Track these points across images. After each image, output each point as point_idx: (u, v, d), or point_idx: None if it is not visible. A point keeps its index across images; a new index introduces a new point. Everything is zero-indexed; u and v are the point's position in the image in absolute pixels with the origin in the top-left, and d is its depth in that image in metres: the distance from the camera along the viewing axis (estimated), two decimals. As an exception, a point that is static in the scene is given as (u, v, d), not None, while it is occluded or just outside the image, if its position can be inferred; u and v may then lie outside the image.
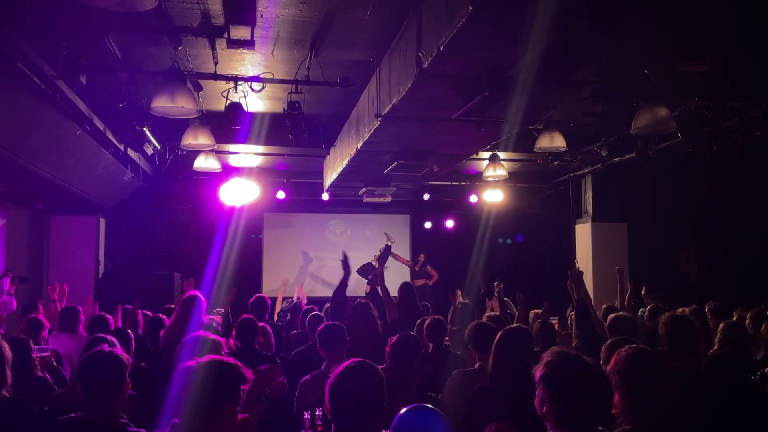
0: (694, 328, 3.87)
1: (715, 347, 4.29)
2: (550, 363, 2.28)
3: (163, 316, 4.65)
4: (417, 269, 12.51)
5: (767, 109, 6.65)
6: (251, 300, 6.47)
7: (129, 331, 4.78)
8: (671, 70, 5.79)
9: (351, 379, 2.45)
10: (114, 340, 3.95)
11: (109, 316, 5.15)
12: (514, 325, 4.03)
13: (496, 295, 7.27)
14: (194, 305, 4.52)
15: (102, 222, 10.26)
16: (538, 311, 7.15)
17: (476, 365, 4.10)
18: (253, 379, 2.87)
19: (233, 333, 4.91)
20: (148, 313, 6.05)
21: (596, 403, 2.24)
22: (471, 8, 3.46)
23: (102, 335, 3.97)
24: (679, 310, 5.90)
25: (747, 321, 5.96)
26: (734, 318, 6.25)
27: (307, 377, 4.17)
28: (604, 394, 2.29)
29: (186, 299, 4.58)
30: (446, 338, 5.48)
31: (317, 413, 3.35)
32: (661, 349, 3.91)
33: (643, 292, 6.79)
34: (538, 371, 2.30)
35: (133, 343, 4.51)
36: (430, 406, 2.71)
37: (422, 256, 12.63)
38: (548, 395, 2.23)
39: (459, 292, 7.26)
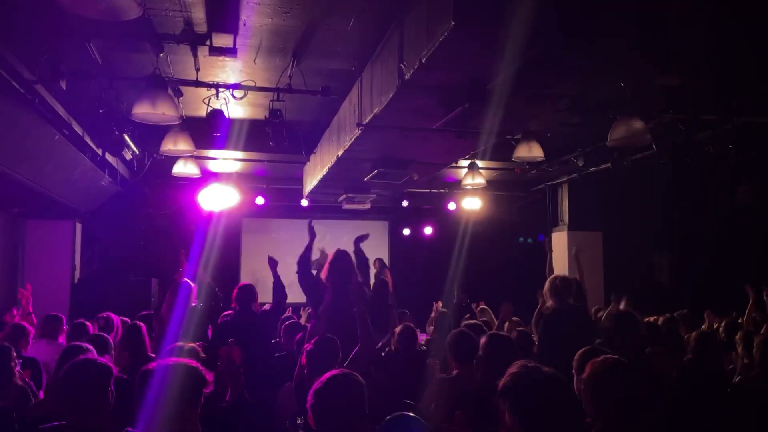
0: (636, 320, 4.24)
1: (688, 356, 4.39)
2: (511, 376, 2.33)
3: (142, 324, 4.67)
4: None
5: (739, 122, 6.81)
6: (237, 288, 6.21)
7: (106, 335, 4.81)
8: (646, 84, 5.92)
9: (334, 388, 2.52)
10: (91, 347, 3.94)
11: (88, 323, 5.13)
12: (497, 332, 4.12)
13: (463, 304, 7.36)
14: (183, 290, 4.78)
15: (78, 227, 10.16)
16: (515, 319, 7.25)
17: (454, 373, 4.16)
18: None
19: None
20: (126, 319, 6.02)
21: (558, 411, 2.27)
22: (453, 23, 3.52)
23: (80, 344, 3.95)
24: (651, 318, 6.05)
25: (720, 330, 6.11)
26: (705, 326, 6.39)
27: (288, 385, 4.20)
28: (566, 403, 2.33)
29: (175, 285, 4.82)
30: (420, 344, 5.58)
31: (299, 422, 3.38)
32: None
33: (622, 305, 6.91)
34: (501, 385, 2.34)
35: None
36: (411, 414, 2.77)
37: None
38: (509, 408, 2.27)
39: (439, 303, 7.34)
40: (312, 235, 6.38)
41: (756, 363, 4.16)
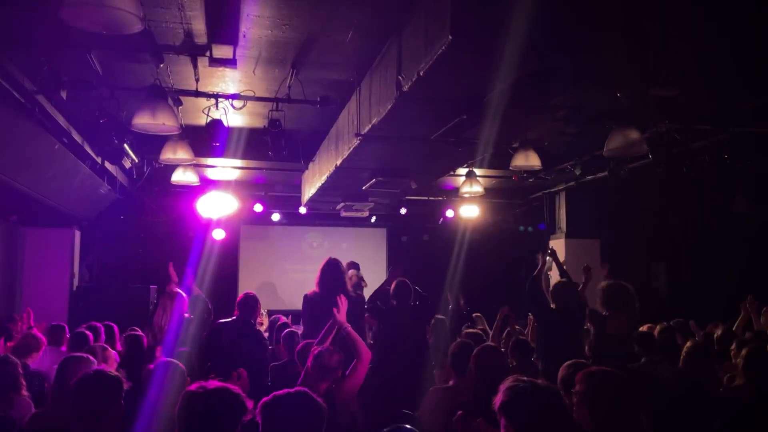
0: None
1: (680, 366, 4.43)
2: (507, 390, 2.36)
3: (142, 333, 4.72)
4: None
5: (734, 132, 6.87)
6: (240, 298, 6.07)
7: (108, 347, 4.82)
8: (642, 94, 5.98)
9: (283, 406, 2.50)
10: (92, 358, 3.97)
11: (89, 333, 5.16)
12: (487, 344, 4.15)
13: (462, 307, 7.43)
14: (175, 300, 4.78)
15: (77, 235, 10.18)
16: (517, 327, 7.26)
17: (451, 382, 4.19)
18: None
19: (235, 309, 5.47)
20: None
21: (554, 424, 2.31)
22: (450, 38, 3.57)
23: (79, 354, 3.98)
24: (646, 327, 6.09)
25: (715, 339, 6.14)
26: (698, 336, 6.42)
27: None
28: (560, 415, 2.36)
29: (167, 295, 4.81)
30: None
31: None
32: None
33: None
34: (497, 399, 2.37)
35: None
36: (408, 426, 2.80)
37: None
38: (509, 422, 2.30)
39: None
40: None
41: (738, 373, 4.19)
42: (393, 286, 6.09)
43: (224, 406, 2.37)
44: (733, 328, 6.22)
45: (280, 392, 2.51)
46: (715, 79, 5.69)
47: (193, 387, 2.42)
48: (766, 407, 3.66)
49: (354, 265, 8.54)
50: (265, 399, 2.48)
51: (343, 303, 4.24)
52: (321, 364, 3.85)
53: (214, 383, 2.44)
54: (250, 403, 2.45)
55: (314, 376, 3.82)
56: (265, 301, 12.76)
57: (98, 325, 6.02)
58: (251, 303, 5.80)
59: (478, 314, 8.35)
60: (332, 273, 5.79)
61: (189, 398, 2.38)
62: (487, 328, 7.57)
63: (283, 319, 7.87)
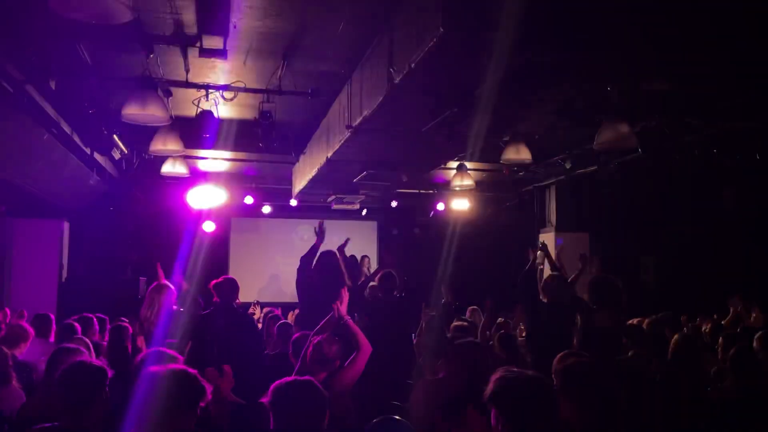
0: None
1: (668, 359, 4.46)
2: (497, 381, 2.38)
3: (126, 324, 4.71)
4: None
5: (724, 127, 6.90)
6: (219, 281, 5.90)
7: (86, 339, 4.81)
8: (632, 89, 5.99)
9: (289, 396, 2.57)
10: (83, 349, 3.96)
11: (76, 324, 5.14)
12: (466, 339, 4.18)
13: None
14: (163, 293, 4.76)
15: (66, 226, 10.13)
16: (500, 320, 7.29)
17: (440, 375, 4.20)
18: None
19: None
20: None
21: (544, 414, 2.34)
22: (441, 30, 3.57)
23: (70, 345, 3.98)
24: (635, 320, 6.13)
25: (707, 332, 6.20)
26: (686, 330, 6.48)
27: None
28: (550, 405, 2.39)
29: (155, 287, 4.79)
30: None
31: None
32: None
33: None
34: (487, 390, 2.39)
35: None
36: (396, 417, 2.81)
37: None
38: (500, 412, 2.32)
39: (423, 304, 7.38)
40: (321, 237, 6.64)
41: (726, 370, 4.23)
42: (378, 276, 6.10)
43: (179, 386, 2.44)
44: (723, 322, 6.27)
45: (288, 379, 2.57)
46: (705, 74, 5.71)
47: (155, 367, 2.53)
48: (753, 405, 3.70)
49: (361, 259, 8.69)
50: (274, 384, 2.52)
51: (344, 296, 4.26)
52: (320, 354, 3.86)
53: (175, 365, 2.54)
54: (208, 386, 2.52)
55: (312, 366, 3.83)
56: (256, 293, 12.79)
57: (91, 316, 6.00)
58: (227, 286, 5.72)
59: (475, 307, 8.36)
60: (326, 265, 5.84)
61: (149, 378, 2.48)
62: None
63: (276, 311, 7.88)
